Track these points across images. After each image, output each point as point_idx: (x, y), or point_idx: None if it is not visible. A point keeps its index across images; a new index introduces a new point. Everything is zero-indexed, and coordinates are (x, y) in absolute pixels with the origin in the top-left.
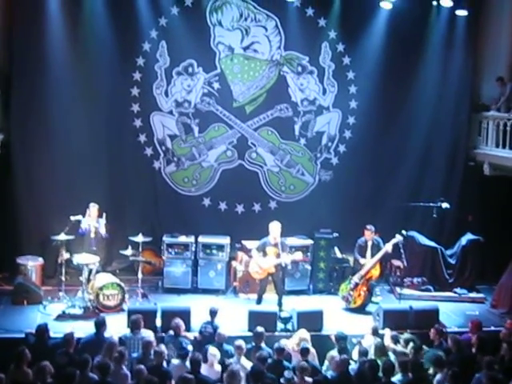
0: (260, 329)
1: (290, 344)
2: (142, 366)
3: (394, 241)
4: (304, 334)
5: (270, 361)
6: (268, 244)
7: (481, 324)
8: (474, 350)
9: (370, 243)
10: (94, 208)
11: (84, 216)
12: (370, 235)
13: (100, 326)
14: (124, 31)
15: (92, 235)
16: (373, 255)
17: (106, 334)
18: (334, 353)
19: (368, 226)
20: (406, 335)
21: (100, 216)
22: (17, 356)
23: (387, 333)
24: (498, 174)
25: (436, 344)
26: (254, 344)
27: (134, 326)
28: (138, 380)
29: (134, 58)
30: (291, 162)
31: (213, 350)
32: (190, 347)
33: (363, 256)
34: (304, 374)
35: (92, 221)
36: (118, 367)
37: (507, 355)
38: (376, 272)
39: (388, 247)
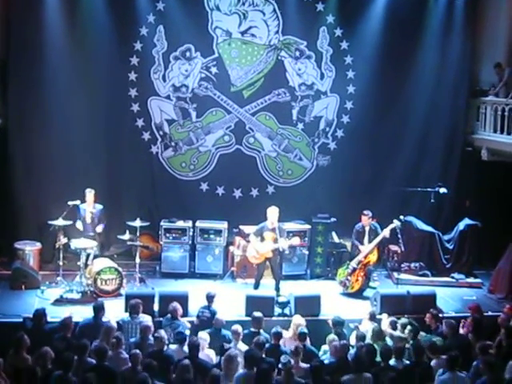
0: (258, 313)
1: (288, 333)
2: (138, 351)
3: (391, 226)
4: (299, 319)
5: (267, 346)
6: (266, 229)
7: (479, 307)
8: (465, 331)
9: (367, 229)
10: (90, 194)
11: (82, 201)
12: (367, 221)
13: (98, 310)
14: (121, 16)
15: (88, 221)
16: (370, 241)
17: (104, 319)
18: (333, 336)
19: (365, 212)
20: (404, 320)
21: (96, 201)
22: (16, 342)
23: (385, 318)
24: (495, 160)
25: (433, 328)
26: (252, 329)
27: (132, 310)
28: (134, 364)
29: (132, 42)
30: (289, 147)
31: (203, 335)
32: (187, 332)
33: (361, 241)
34: (298, 357)
35: (88, 206)
36: (116, 352)
37: (505, 340)
38: (373, 257)
39: (386, 232)
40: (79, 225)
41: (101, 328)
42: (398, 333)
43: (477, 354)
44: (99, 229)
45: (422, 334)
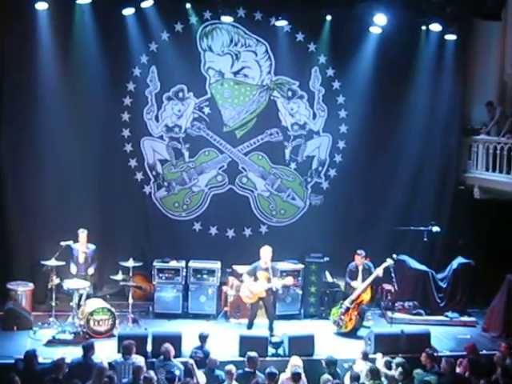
0: (253, 353)
1: (285, 375)
2: None
3: (384, 265)
4: (297, 361)
5: None
6: (259, 268)
7: (475, 346)
8: (466, 373)
9: (360, 268)
10: (82, 234)
11: (75, 241)
12: (360, 260)
13: (88, 349)
14: (114, 56)
15: (81, 261)
16: (364, 280)
17: (96, 359)
18: (327, 377)
19: (358, 251)
20: (398, 359)
21: (89, 241)
22: (7, 383)
23: (379, 357)
24: (488, 198)
25: (428, 368)
26: (247, 369)
27: (125, 351)
28: None
29: (125, 83)
30: (282, 187)
31: (199, 375)
32: (177, 372)
33: (355, 280)
34: None
35: (81, 246)
36: None
37: (501, 379)
38: (367, 296)
39: (379, 271)
40: (73, 268)
41: (91, 368)
42: (392, 372)
43: None
44: (91, 271)
45: (418, 371)
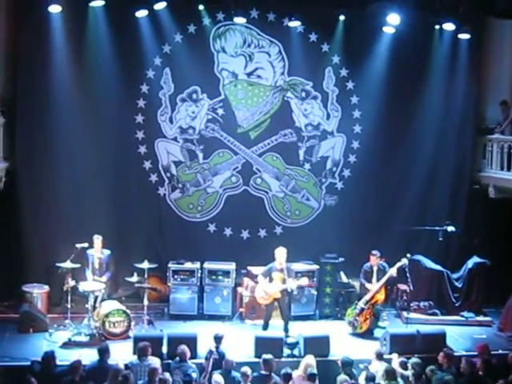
0: (269, 356)
1: (297, 372)
2: None
3: (398, 264)
4: (310, 359)
5: None
6: (274, 269)
7: (487, 346)
8: (480, 373)
9: (375, 268)
10: (97, 240)
11: (90, 245)
12: (375, 260)
13: (103, 352)
14: (128, 59)
15: (96, 266)
16: (378, 280)
17: (112, 361)
18: (344, 377)
19: (373, 252)
20: (414, 359)
21: (104, 247)
22: None
23: (395, 357)
24: (503, 197)
25: (444, 368)
26: (263, 372)
27: (141, 353)
28: None
29: (139, 85)
30: (296, 188)
31: (217, 377)
32: (194, 374)
33: (369, 281)
34: None
35: (96, 252)
36: None
37: None
38: (381, 296)
39: (393, 271)
40: (89, 274)
41: (106, 370)
42: (408, 372)
43: None
44: (104, 279)
45: (432, 367)
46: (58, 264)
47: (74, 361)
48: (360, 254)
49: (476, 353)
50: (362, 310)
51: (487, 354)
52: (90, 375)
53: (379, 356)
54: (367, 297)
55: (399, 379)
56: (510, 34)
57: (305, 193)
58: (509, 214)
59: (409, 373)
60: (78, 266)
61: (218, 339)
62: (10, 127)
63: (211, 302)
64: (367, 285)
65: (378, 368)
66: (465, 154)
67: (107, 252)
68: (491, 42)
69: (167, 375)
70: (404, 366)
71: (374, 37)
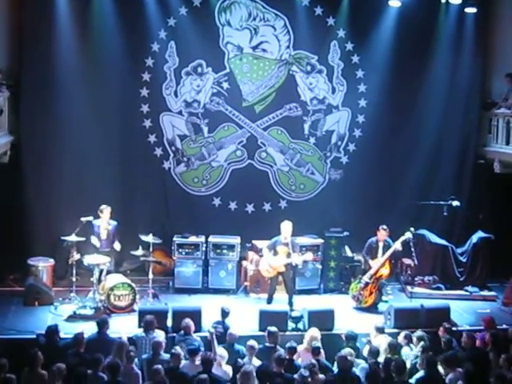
0: (274, 328)
1: (302, 345)
2: (160, 366)
3: (402, 238)
4: (315, 332)
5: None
6: (279, 243)
7: (493, 320)
8: (488, 348)
9: (381, 244)
10: (106, 210)
11: (95, 218)
12: (383, 236)
13: (102, 325)
14: (133, 32)
15: (103, 237)
16: (383, 255)
17: (116, 334)
18: (349, 350)
19: (384, 227)
20: (419, 332)
21: (111, 218)
22: (30, 359)
23: (402, 334)
24: (508, 172)
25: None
26: (268, 344)
27: (147, 326)
28: (155, 381)
29: (143, 58)
30: (301, 162)
31: (220, 351)
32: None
33: (374, 256)
34: (314, 372)
35: (103, 222)
36: (128, 367)
37: None
38: (386, 271)
39: (397, 245)
40: (95, 240)
41: (106, 343)
42: (413, 346)
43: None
44: (117, 246)
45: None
46: (63, 237)
47: (77, 333)
48: (365, 228)
49: (481, 326)
50: (367, 284)
51: (493, 327)
52: (89, 347)
53: (379, 330)
54: (372, 271)
55: (402, 353)
56: None
57: (310, 167)
58: None
59: (413, 346)
60: (82, 239)
61: (224, 313)
62: (14, 101)
63: (216, 275)
64: (370, 262)
65: (382, 342)
66: (470, 129)
67: (114, 223)
68: (497, 15)
69: (179, 349)
70: (409, 339)
71: (379, 11)
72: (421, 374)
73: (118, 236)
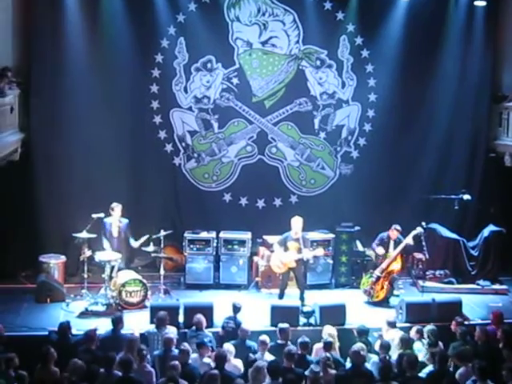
0: (285, 325)
1: (319, 344)
2: (177, 363)
3: (414, 232)
4: (331, 329)
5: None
6: (289, 239)
7: (502, 315)
8: (500, 344)
9: (392, 242)
10: (117, 208)
11: (106, 215)
12: (395, 235)
13: (117, 322)
14: (142, 28)
15: (115, 234)
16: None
17: (128, 331)
18: (360, 345)
19: (397, 227)
20: (430, 326)
21: (123, 216)
22: (43, 355)
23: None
24: None
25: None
26: (279, 341)
27: (160, 322)
28: (169, 376)
29: (153, 54)
30: (311, 156)
31: (228, 346)
32: (209, 343)
33: (386, 251)
34: (326, 367)
35: (115, 220)
36: (141, 365)
37: None
38: (397, 265)
39: (408, 240)
40: (106, 244)
41: (120, 340)
42: (425, 341)
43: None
44: (134, 243)
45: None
46: (74, 234)
47: (88, 330)
48: (376, 223)
49: (490, 320)
50: (378, 278)
51: (501, 321)
52: (104, 345)
53: (391, 324)
54: (383, 265)
55: (414, 348)
56: None
57: (320, 162)
58: None
59: (425, 341)
60: (94, 236)
61: (236, 308)
62: (25, 98)
63: (227, 271)
64: (377, 249)
65: (394, 336)
66: (481, 122)
67: (125, 221)
68: (507, 8)
69: (187, 345)
70: (421, 333)
71: (388, 5)
72: (430, 368)
73: (131, 233)
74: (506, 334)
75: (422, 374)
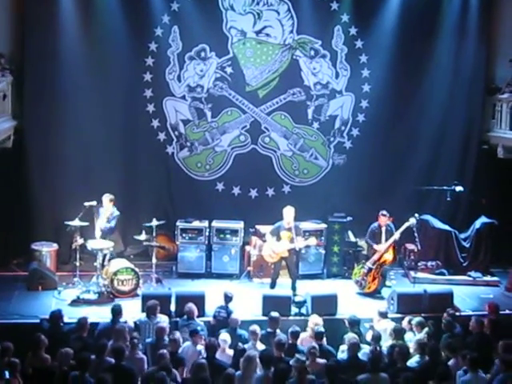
0: (275, 314)
1: (306, 333)
2: (165, 351)
3: (406, 224)
4: (317, 319)
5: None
6: (282, 228)
7: (498, 306)
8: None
9: (383, 229)
10: (105, 198)
11: (99, 203)
12: (385, 221)
13: (117, 313)
14: (136, 16)
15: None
16: (386, 240)
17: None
18: (353, 335)
19: (384, 212)
20: (418, 318)
21: (114, 205)
22: (34, 343)
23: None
24: (511, 157)
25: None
26: (269, 329)
27: (150, 311)
28: (160, 365)
29: (147, 43)
30: (304, 146)
31: (224, 336)
32: (201, 332)
33: (378, 242)
34: (314, 357)
35: (106, 211)
36: (133, 352)
37: None
38: (389, 256)
39: (396, 235)
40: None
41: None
42: (415, 331)
43: (498, 353)
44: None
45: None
46: (66, 222)
47: (80, 318)
48: (368, 214)
49: (485, 311)
50: (370, 269)
51: (496, 312)
52: (103, 335)
53: (382, 315)
54: (375, 257)
55: (406, 338)
56: None
57: (313, 152)
58: None
59: (415, 331)
60: (86, 224)
61: (228, 298)
62: (18, 86)
63: (219, 260)
64: (375, 246)
65: (386, 326)
66: (474, 114)
67: (117, 213)
68: (501, 1)
69: (178, 334)
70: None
71: None
72: (416, 358)
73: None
74: (491, 323)
75: (409, 363)
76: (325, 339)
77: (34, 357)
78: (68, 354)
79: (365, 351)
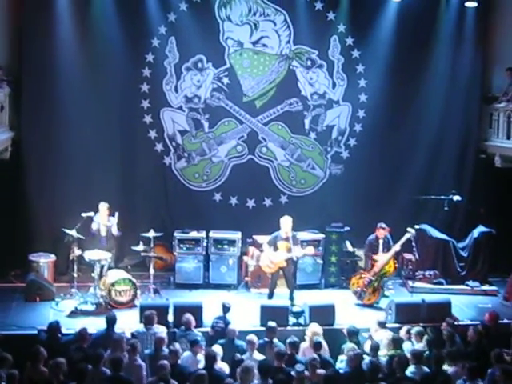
0: (272, 323)
1: (305, 343)
2: (166, 362)
3: (406, 236)
4: (316, 327)
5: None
6: (279, 238)
7: (498, 316)
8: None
9: (381, 241)
10: (103, 207)
11: (96, 213)
12: (383, 234)
13: (111, 322)
14: (133, 27)
15: (103, 234)
16: (383, 251)
17: (118, 330)
18: (352, 345)
19: (383, 225)
20: (418, 328)
21: (111, 214)
22: (33, 355)
23: (404, 328)
24: (509, 166)
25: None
26: (266, 339)
27: (147, 321)
28: (160, 376)
29: (144, 54)
30: (302, 157)
31: (215, 348)
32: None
33: (375, 254)
34: (314, 368)
35: (103, 219)
36: (132, 358)
37: None
38: (390, 269)
39: (397, 247)
40: (93, 224)
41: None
42: (413, 341)
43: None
44: (115, 231)
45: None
46: (64, 229)
47: (80, 328)
48: (366, 223)
49: (483, 320)
50: (371, 281)
51: (495, 321)
52: (97, 344)
53: (381, 325)
54: (376, 269)
55: (404, 347)
56: None
57: (310, 162)
58: None
59: (413, 341)
60: (82, 237)
61: (226, 308)
62: (15, 97)
63: (217, 270)
64: (375, 256)
65: (383, 336)
66: (471, 123)
67: (115, 220)
68: (498, 9)
69: (177, 346)
70: (410, 334)
71: (379, 5)
72: (412, 369)
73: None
74: (485, 329)
75: (409, 373)
76: (327, 349)
77: (33, 369)
78: (59, 365)
79: (364, 361)
